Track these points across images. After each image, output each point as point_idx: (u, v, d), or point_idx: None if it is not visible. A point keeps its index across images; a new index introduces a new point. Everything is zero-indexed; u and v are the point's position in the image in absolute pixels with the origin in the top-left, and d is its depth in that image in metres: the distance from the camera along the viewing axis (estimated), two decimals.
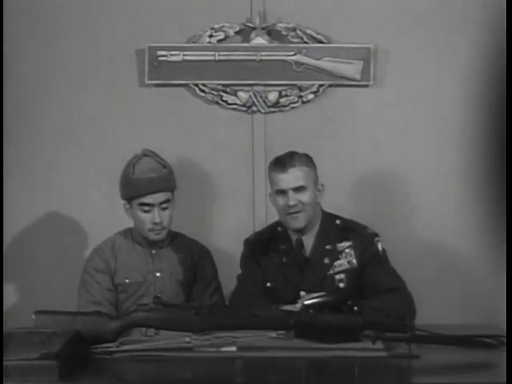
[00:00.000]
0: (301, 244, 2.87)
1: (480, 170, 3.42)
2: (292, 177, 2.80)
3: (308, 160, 2.86)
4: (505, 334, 2.35)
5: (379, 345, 2.35)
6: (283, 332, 2.39)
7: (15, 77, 3.43)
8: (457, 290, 3.41)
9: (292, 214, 2.81)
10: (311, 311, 2.51)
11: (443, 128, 3.41)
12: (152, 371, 2.28)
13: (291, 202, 2.79)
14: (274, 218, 3.03)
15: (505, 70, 3.12)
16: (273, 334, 2.40)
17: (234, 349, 2.37)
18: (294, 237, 2.89)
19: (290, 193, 2.80)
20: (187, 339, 2.39)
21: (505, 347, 2.29)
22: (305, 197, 2.80)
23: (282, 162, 2.83)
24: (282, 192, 2.81)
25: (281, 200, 2.83)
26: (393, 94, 3.42)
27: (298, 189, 2.80)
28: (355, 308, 2.43)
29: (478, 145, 3.42)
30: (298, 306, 2.57)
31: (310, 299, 2.56)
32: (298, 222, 2.82)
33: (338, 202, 3.12)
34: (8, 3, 3.35)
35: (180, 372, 2.28)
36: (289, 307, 2.56)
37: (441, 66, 3.41)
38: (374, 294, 2.73)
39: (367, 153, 3.42)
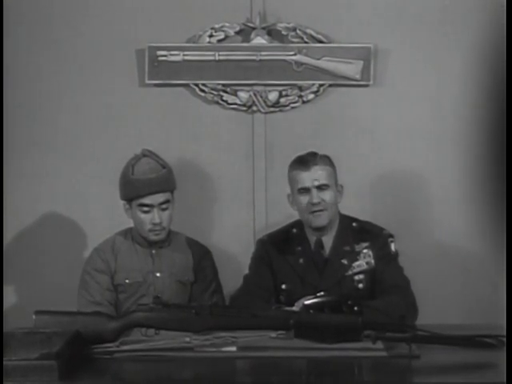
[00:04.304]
0: (320, 245, 2.87)
1: (480, 169, 3.42)
2: (315, 175, 2.81)
3: (329, 160, 2.88)
4: (505, 334, 2.34)
5: (379, 345, 2.35)
6: (283, 332, 2.39)
7: (15, 77, 3.42)
8: (457, 289, 3.41)
9: (315, 212, 2.80)
10: (311, 311, 2.51)
11: (443, 128, 3.41)
12: (152, 371, 2.27)
13: (315, 200, 2.79)
14: (274, 218, 3.03)
15: (505, 70, 3.12)
16: (273, 334, 2.40)
17: (234, 349, 2.37)
18: (312, 238, 2.88)
19: (314, 191, 2.80)
20: (187, 339, 2.38)
21: (505, 347, 2.28)
22: (327, 195, 2.81)
23: (305, 161, 2.83)
24: (306, 190, 2.81)
25: (303, 199, 2.82)
26: (393, 94, 3.42)
27: (321, 187, 2.81)
28: (355, 308, 2.43)
29: (478, 144, 3.42)
30: (297, 307, 2.58)
31: (309, 299, 2.56)
32: (322, 219, 2.82)
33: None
34: (7, 4, 3.35)
35: (180, 372, 2.28)
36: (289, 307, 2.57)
37: (441, 65, 3.41)
38: (380, 291, 2.76)
39: (367, 153, 3.42)
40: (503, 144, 3.02)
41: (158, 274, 3.00)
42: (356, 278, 2.84)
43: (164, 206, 2.92)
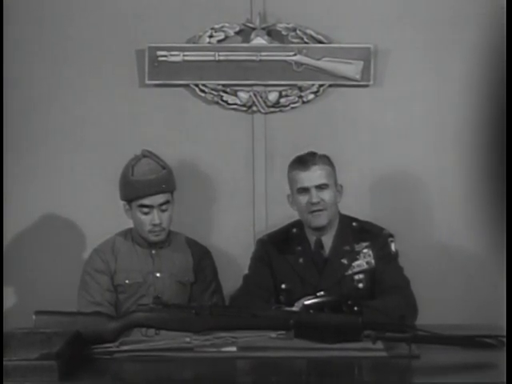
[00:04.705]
0: (320, 244, 2.87)
1: (480, 169, 3.42)
2: (315, 175, 2.81)
3: (328, 160, 2.88)
4: (505, 334, 2.34)
5: (379, 345, 2.35)
6: (283, 332, 2.39)
7: (16, 77, 3.42)
8: (457, 289, 3.41)
9: (314, 211, 2.81)
10: (311, 311, 2.51)
11: (443, 128, 3.41)
12: (152, 371, 2.28)
13: (314, 200, 2.80)
14: (274, 218, 3.02)
15: (505, 70, 3.12)
16: (273, 335, 2.40)
17: (234, 349, 2.37)
18: (312, 238, 2.88)
19: (313, 190, 2.81)
20: (187, 339, 2.39)
21: (505, 347, 2.28)
22: (326, 195, 2.82)
23: (304, 161, 2.84)
24: (305, 190, 2.82)
25: (303, 198, 2.83)
26: (393, 94, 3.42)
27: (321, 187, 2.81)
28: (355, 308, 2.43)
29: (478, 144, 3.42)
30: (297, 307, 2.58)
31: (309, 299, 2.56)
32: (321, 219, 2.82)
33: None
34: (7, 4, 3.35)
35: (180, 372, 2.28)
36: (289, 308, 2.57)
37: (441, 65, 3.41)
38: (380, 291, 2.76)
39: (367, 153, 3.42)
40: (503, 144, 3.02)
41: (157, 275, 3.00)
42: (356, 277, 2.84)
43: (164, 207, 2.92)
